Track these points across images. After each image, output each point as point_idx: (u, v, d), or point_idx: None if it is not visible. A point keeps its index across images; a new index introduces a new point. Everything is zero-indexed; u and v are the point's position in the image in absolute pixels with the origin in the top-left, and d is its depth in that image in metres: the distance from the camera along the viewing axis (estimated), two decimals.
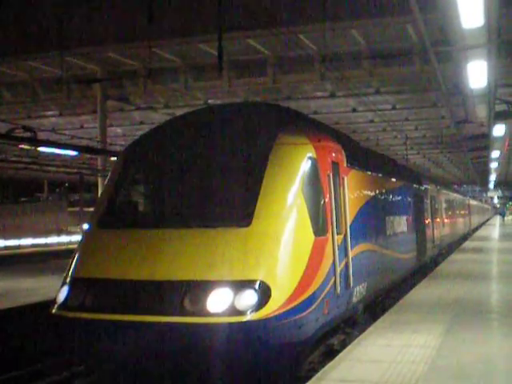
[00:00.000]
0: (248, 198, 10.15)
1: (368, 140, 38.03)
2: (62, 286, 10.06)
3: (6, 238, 49.12)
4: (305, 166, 10.65)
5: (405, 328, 11.74)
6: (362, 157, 14.93)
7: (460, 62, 14.97)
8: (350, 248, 11.91)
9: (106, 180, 11.95)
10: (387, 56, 22.26)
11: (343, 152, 12.30)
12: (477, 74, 15.66)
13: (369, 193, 14.64)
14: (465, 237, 47.81)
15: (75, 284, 9.97)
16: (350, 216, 12.21)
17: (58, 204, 53.87)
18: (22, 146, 28.00)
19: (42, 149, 26.34)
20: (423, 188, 24.27)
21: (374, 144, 38.28)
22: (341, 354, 10.08)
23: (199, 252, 9.67)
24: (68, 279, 10.11)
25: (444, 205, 32.99)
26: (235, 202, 10.28)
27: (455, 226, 40.27)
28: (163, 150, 11.43)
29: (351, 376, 8.66)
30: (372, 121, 33.87)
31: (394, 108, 30.67)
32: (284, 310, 9.21)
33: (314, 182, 10.81)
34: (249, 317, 8.95)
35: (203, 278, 9.30)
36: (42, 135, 28.90)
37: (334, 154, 11.82)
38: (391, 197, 17.57)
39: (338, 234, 11.29)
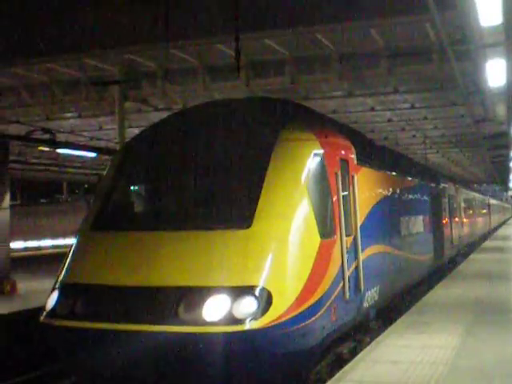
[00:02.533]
0: (249, 198, 9.55)
1: (387, 139, 37.87)
2: (52, 291, 9.56)
3: (26, 239, 49.39)
4: (310, 163, 10.02)
5: (424, 328, 11.69)
6: (374, 154, 14.37)
7: (478, 61, 14.89)
8: (360, 250, 11.37)
9: (102, 179, 11.52)
10: (405, 55, 22.17)
11: (353, 149, 11.76)
12: (495, 72, 15.58)
13: (381, 192, 14.04)
14: (484, 236, 47.59)
15: (64, 290, 9.46)
16: (360, 216, 11.61)
17: (77, 205, 54.08)
18: (41, 147, 28.14)
19: (60, 150, 26.46)
20: (441, 187, 23.87)
21: (392, 143, 38.11)
22: (359, 355, 10.05)
23: (196, 256, 9.04)
24: (57, 285, 9.61)
25: (463, 204, 32.70)
26: (235, 202, 9.69)
27: (474, 226, 40.05)
28: (160, 148, 10.88)
29: (370, 377, 8.64)
30: (390, 120, 33.71)
31: (412, 107, 30.53)
32: (286, 317, 8.65)
33: (321, 181, 10.21)
34: (248, 326, 8.37)
35: (199, 283, 8.72)
36: (60, 137, 29.02)
37: (342, 151, 11.29)
38: (406, 196, 16.93)
39: (347, 235, 10.71)
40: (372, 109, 30.44)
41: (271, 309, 8.53)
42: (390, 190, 14.97)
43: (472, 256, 28.96)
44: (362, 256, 11.38)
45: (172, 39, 16.11)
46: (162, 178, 10.76)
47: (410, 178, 17.97)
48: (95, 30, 18.37)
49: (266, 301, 8.55)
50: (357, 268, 11.18)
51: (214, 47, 21.51)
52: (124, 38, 18.72)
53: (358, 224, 11.46)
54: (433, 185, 22.10)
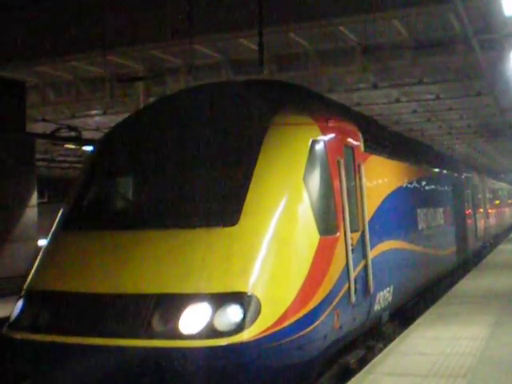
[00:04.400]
0: (236, 191, 8.41)
1: (412, 131, 37.71)
2: (18, 299, 8.59)
3: None
4: (308, 150, 8.85)
5: (453, 320, 11.66)
6: (385, 141, 13.22)
7: (503, 50, 14.82)
8: (369, 247, 10.31)
9: (79, 173, 10.53)
10: (430, 45, 22.03)
11: (360, 135, 10.73)
12: None
13: (395, 182, 12.91)
14: None
15: (29, 298, 8.47)
16: (369, 210, 10.55)
17: None
18: (68, 145, 28.35)
19: (86, 148, 26.63)
20: (464, 176, 23.00)
21: (418, 135, 37.95)
22: (389, 347, 10.06)
23: (174, 258, 8.00)
24: (23, 292, 8.61)
25: (488, 194, 32.11)
26: (220, 197, 8.55)
27: (501, 216, 39.59)
28: (140, 137, 9.80)
29: (399, 369, 8.64)
30: (415, 111, 33.54)
31: (437, 98, 30.33)
32: (278, 328, 7.62)
33: (320, 170, 9.07)
34: (231, 339, 7.30)
35: (176, 290, 7.67)
36: (86, 134, 29.19)
37: (347, 137, 10.18)
38: (424, 186, 15.73)
39: (352, 231, 9.62)
40: (397, 100, 30.30)
41: (260, 318, 7.49)
42: (405, 180, 13.80)
43: (499, 247, 28.80)
44: (371, 254, 10.38)
45: (196, 35, 16.17)
46: (139, 170, 9.68)
47: (428, 168, 16.83)
48: (119, 27, 18.47)
49: (254, 309, 7.52)
50: (365, 267, 10.17)
51: (238, 42, 21.52)
52: (148, 34, 18.80)
53: (367, 218, 10.38)
54: (455, 174, 21.24)
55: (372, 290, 10.28)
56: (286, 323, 7.71)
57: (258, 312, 7.50)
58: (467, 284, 16.57)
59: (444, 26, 21.26)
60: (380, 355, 9.67)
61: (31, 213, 22.13)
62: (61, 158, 43.09)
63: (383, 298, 11.19)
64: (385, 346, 10.82)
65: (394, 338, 10.98)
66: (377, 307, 10.86)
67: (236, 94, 10.18)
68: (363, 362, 9.92)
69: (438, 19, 20.70)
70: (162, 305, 7.58)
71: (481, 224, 26.31)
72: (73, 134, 25.77)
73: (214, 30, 18.34)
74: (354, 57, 23.05)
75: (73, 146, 29.76)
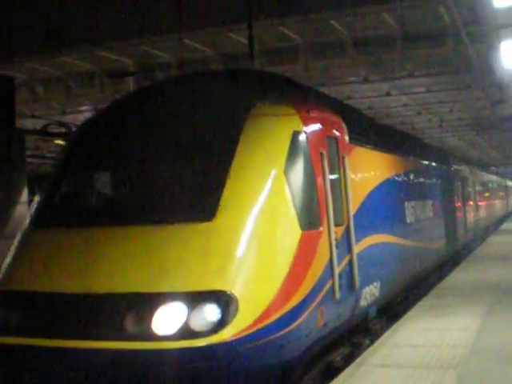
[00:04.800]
0: (213, 185, 8.06)
1: (403, 124, 37.74)
2: None
3: None
4: (289, 141, 8.51)
5: (444, 311, 11.69)
6: (371, 133, 12.93)
7: (493, 42, 14.84)
8: (354, 241, 10.00)
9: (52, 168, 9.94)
10: (420, 38, 22.06)
11: (344, 126, 10.44)
12: (510, 52, 15.51)
13: (381, 174, 12.63)
14: (502, 219, 47.36)
15: None
16: (354, 203, 10.22)
17: None
18: (57, 141, 28.25)
19: None
20: (453, 169, 22.85)
21: (409, 128, 37.96)
22: (380, 340, 10.07)
23: (148, 256, 7.65)
24: None
25: (478, 187, 32.04)
26: (196, 191, 8.24)
27: (491, 209, 39.63)
28: (114, 130, 9.37)
29: (390, 361, 8.66)
30: (406, 104, 33.55)
31: (428, 91, 30.34)
32: (257, 327, 7.31)
33: (302, 162, 8.73)
34: (207, 340, 7.02)
35: (150, 289, 7.35)
36: None
37: (331, 128, 9.89)
38: (412, 179, 15.48)
39: (337, 225, 9.35)
40: (387, 94, 30.29)
41: (238, 317, 7.20)
42: (393, 172, 13.60)
43: (489, 239, 28.88)
44: (356, 248, 10.08)
45: (185, 29, 16.12)
46: (113, 165, 9.27)
47: (416, 160, 16.64)
48: (107, 22, 18.40)
49: (232, 308, 7.22)
50: (350, 262, 9.87)
51: (228, 36, 21.49)
52: (137, 28, 18.74)
53: (351, 212, 10.07)
54: (444, 167, 21.10)
55: (358, 285, 10.00)
56: (266, 322, 7.43)
57: (236, 311, 7.23)
58: (458, 276, 16.61)
59: (434, 18, 21.28)
60: (371, 347, 9.69)
61: (22, 209, 22.03)
62: (52, 155, 42.95)
63: (370, 293, 10.92)
64: (372, 342, 10.60)
65: (382, 334, 10.78)
66: (363, 303, 10.61)
67: (215, 84, 9.84)
68: (349, 360, 9.67)
69: (428, 12, 20.71)
70: (136, 305, 7.26)
71: (470, 216, 26.21)
72: (63, 129, 25.67)
73: (203, 24, 18.30)
74: (345, 50, 23.07)
75: (63, 142, 29.64)
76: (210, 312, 7.15)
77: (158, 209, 8.19)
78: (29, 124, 29.70)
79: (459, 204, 23.07)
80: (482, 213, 32.49)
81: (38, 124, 27.68)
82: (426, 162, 18.09)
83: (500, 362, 8.28)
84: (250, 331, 7.23)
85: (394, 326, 10.95)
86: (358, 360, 8.94)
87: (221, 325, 7.11)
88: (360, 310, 10.55)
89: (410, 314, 11.94)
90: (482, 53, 20.40)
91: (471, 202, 27.44)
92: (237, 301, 7.24)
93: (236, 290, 7.31)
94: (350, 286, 9.77)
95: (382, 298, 11.87)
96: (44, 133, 24.94)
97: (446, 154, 26.00)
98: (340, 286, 9.16)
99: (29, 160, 29.45)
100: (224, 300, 7.21)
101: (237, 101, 9.04)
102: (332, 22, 20.74)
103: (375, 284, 11.16)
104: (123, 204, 8.72)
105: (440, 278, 17.09)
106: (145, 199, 8.50)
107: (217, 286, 7.30)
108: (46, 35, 18.62)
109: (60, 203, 9.17)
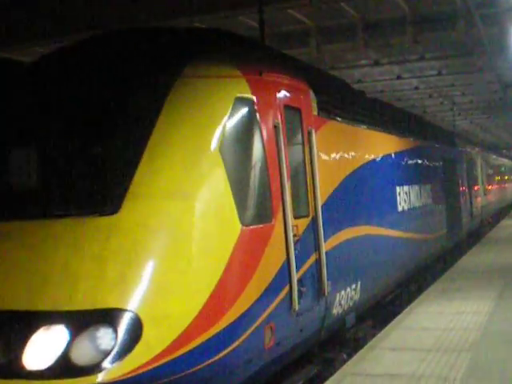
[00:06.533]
0: (121, 168, 6.29)
1: (414, 107, 37.60)
2: None
3: None
4: (229, 110, 6.71)
5: (456, 295, 11.69)
6: (352, 105, 11.01)
7: (505, 24, 14.74)
8: (322, 237, 8.26)
9: None
10: (431, 21, 21.92)
11: (311, 94, 8.65)
12: None
13: (364, 155, 10.83)
14: None
15: None
16: (323, 190, 8.47)
17: None
18: None
19: None
20: (458, 150, 21.42)
21: (420, 111, 37.83)
22: (392, 323, 10.07)
23: (30, 260, 5.89)
24: None
25: (487, 170, 31.07)
26: (101, 175, 6.40)
27: (502, 193, 38.97)
28: (18, 100, 7.53)
29: (403, 344, 8.68)
30: (417, 88, 33.40)
31: (439, 74, 30.22)
32: (170, 358, 5.55)
33: (247, 137, 6.98)
34: (92, 379, 5.23)
35: (26, 306, 5.60)
36: None
37: (291, 96, 7.96)
38: (406, 161, 13.69)
39: (298, 217, 7.72)
40: (398, 77, 30.15)
41: (140, 346, 5.44)
42: (380, 153, 11.78)
43: (503, 222, 28.80)
44: (327, 244, 8.45)
45: (196, 13, 16.08)
46: (12, 146, 7.35)
47: (412, 140, 14.71)
48: (118, 8, 18.34)
49: (132, 333, 5.47)
50: (317, 262, 8.15)
51: (239, 19, 21.42)
52: (147, 13, 18.69)
53: (320, 201, 8.28)
54: (447, 148, 19.40)
55: (328, 290, 8.36)
56: (183, 349, 5.67)
57: (137, 337, 5.50)
58: (470, 259, 16.58)
59: (445, 0, 21.16)
60: (383, 331, 9.70)
61: None
62: None
63: (346, 297, 9.24)
64: (349, 355, 9.22)
65: (367, 343, 9.44)
66: (337, 310, 8.95)
67: (137, 42, 7.72)
68: (321, 378, 8.43)
69: None
70: (7, 327, 5.57)
71: (477, 202, 24.83)
72: None
73: (213, 9, 18.24)
74: (356, 33, 22.93)
75: None
76: (101, 338, 5.44)
77: (49, 198, 6.53)
78: None
79: (464, 188, 21.39)
80: (491, 197, 31.76)
81: None
82: (424, 143, 16.35)
83: (511, 345, 8.29)
84: (158, 363, 5.51)
85: (407, 310, 10.96)
86: (370, 343, 8.96)
87: (115, 357, 5.39)
88: (333, 320, 8.91)
89: (422, 297, 11.94)
90: (493, 35, 20.23)
91: (478, 186, 26.38)
92: (140, 322, 5.53)
93: (140, 307, 5.58)
94: (316, 292, 8.14)
95: (365, 301, 10.36)
96: None
97: (451, 134, 24.44)
98: (301, 293, 7.56)
99: None
100: (121, 322, 5.48)
101: (165, 60, 7.12)
102: (343, 4, 20.64)
103: (354, 286, 9.54)
104: (11, 193, 6.93)
105: (452, 262, 16.93)
106: (36, 186, 6.81)
107: (112, 302, 5.56)
108: (43, 22, 18.48)
109: None
